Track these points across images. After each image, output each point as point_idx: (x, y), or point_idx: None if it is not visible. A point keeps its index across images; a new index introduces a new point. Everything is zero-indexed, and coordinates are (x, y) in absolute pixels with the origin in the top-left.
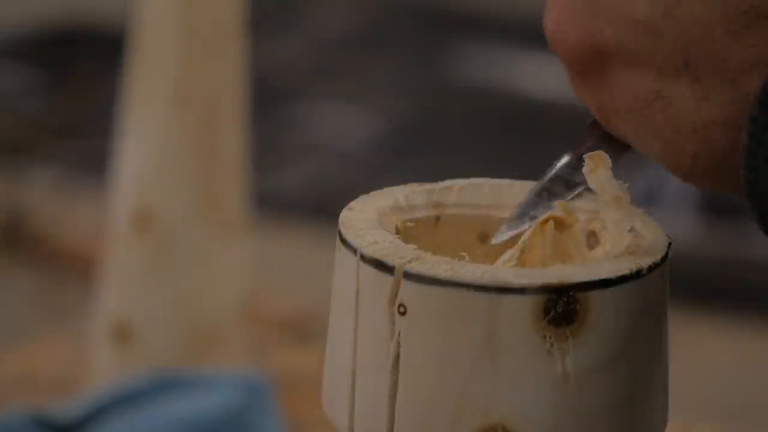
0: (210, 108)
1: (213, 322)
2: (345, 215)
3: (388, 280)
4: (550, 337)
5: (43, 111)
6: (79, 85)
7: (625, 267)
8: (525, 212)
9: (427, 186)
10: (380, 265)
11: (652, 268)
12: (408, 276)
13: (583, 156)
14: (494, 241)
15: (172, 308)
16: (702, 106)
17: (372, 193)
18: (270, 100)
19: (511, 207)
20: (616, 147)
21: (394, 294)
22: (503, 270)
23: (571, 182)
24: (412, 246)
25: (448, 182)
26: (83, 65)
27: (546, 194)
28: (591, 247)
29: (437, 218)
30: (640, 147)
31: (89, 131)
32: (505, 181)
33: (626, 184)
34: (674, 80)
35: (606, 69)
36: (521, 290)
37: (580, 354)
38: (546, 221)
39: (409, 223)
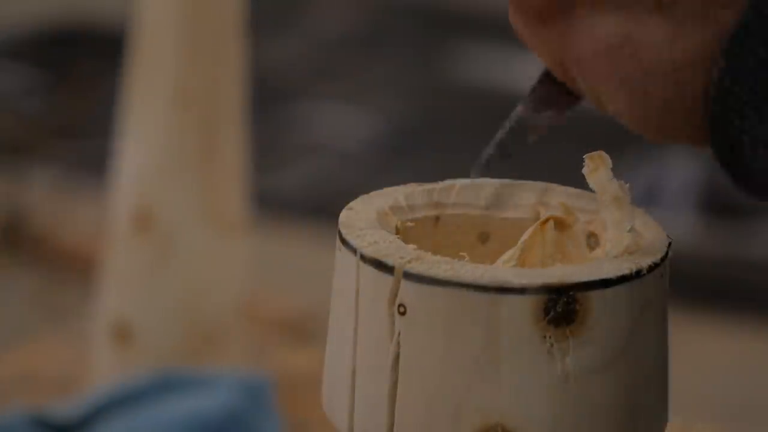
0: (210, 108)
1: (213, 322)
2: (345, 215)
3: (388, 280)
4: (550, 337)
5: (43, 111)
6: (79, 85)
7: (625, 267)
8: (486, 167)
9: (427, 186)
10: (380, 265)
11: (651, 268)
12: (408, 276)
13: (584, 156)
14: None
15: (172, 308)
16: (674, 47)
17: (372, 193)
18: (270, 100)
19: (511, 207)
20: (566, 100)
21: (394, 294)
22: (503, 270)
23: (524, 132)
24: (412, 246)
25: (448, 182)
26: (83, 65)
27: (504, 146)
28: (591, 248)
29: (437, 218)
30: (602, 98)
31: (89, 131)
32: (505, 181)
33: (627, 184)
34: (645, 22)
35: (573, 15)
36: (521, 290)
37: (580, 354)
38: (546, 221)
39: (409, 223)
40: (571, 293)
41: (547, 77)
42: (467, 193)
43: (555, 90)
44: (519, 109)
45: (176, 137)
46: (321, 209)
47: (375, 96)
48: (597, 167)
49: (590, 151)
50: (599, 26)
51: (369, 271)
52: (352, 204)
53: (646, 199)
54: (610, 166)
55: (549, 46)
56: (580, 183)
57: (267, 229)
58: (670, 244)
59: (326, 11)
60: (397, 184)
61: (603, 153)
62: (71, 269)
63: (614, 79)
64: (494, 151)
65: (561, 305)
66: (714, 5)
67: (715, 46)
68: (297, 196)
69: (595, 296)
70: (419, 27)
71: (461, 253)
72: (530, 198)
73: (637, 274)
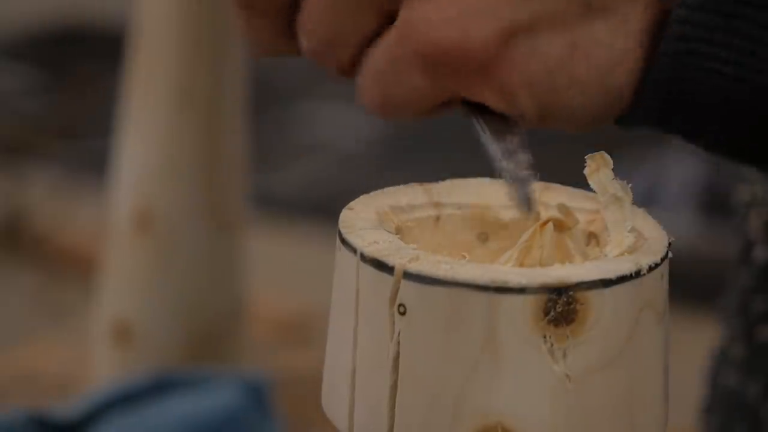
0: (210, 108)
1: (213, 322)
2: (345, 215)
3: (388, 279)
4: (550, 337)
5: (43, 111)
6: (79, 85)
7: (624, 267)
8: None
9: (427, 186)
10: (380, 265)
11: (651, 268)
12: (408, 276)
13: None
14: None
15: (172, 308)
16: (617, 39)
17: (372, 193)
18: (270, 100)
19: (512, 207)
20: (510, 125)
21: (394, 294)
22: (503, 269)
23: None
24: (411, 246)
25: (448, 182)
26: (83, 65)
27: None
28: (591, 248)
29: (437, 218)
30: (550, 114)
31: (89, 131)
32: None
33: (629, 185)
34: (583, 26)
35: (513, 48)
36: (521, 290)
37: (580, 354)
38: (546, 222)
39: (409, 223)
40: (571, 293)
41: (487, 118)
42: (468, 193)
43: (499, 122)
44: (507, 168)
45: (176, 137)
46: (321, 209)
47: None
48: (598, 168)
49: (591, 152)
50: (542, 46)
51: (369, 271)
52: (352, 204)
53: (646, 199)
54: (611, 166)
55: (495, 86)
56: (581, 183)
57: (267, 229)
58: (670, 244)
59: None
60: (397, 184)
61: (604, 153)
62: (71, 269)
63: (568, 89)
64: (523, 194)
65: (561, 305)
66: None
67: (651, 24)
68: (297, 196)
69: (595, 296)
70: None
71: (461, 253)
72: None
73: (637, 274)
